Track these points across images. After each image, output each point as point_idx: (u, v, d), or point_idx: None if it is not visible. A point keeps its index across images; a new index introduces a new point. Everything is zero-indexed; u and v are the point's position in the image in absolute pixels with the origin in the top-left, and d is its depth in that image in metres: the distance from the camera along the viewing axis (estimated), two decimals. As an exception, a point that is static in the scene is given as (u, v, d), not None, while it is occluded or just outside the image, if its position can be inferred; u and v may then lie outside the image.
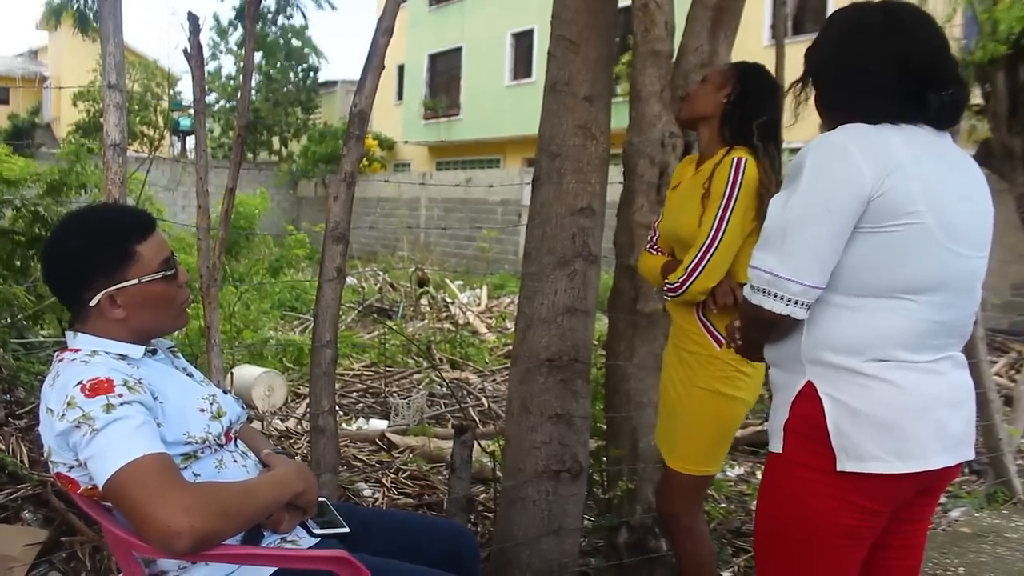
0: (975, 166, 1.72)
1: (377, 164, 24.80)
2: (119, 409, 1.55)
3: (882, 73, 1.60)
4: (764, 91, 2.45)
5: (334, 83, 29.25)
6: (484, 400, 5.87)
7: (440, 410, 5.88)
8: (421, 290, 10.71)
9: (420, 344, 7.45)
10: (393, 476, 4.23)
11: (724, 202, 2.31)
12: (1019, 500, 4.66)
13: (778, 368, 1.75)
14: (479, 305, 11.08)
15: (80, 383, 1.58)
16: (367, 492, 3.98)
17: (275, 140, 26.43)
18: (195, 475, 1.68)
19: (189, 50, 2.51)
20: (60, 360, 1.68)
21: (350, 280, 12.56)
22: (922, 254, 1.57)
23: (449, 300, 10.53)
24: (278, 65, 25.58)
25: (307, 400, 5.94)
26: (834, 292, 1.59)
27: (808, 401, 1.63)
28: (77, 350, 1.69)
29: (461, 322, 9.38)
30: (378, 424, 5.41)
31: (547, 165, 2.90)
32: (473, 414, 5.63)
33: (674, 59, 3.05)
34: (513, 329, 9.63)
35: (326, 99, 29.10)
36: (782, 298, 1.58)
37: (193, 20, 2.50)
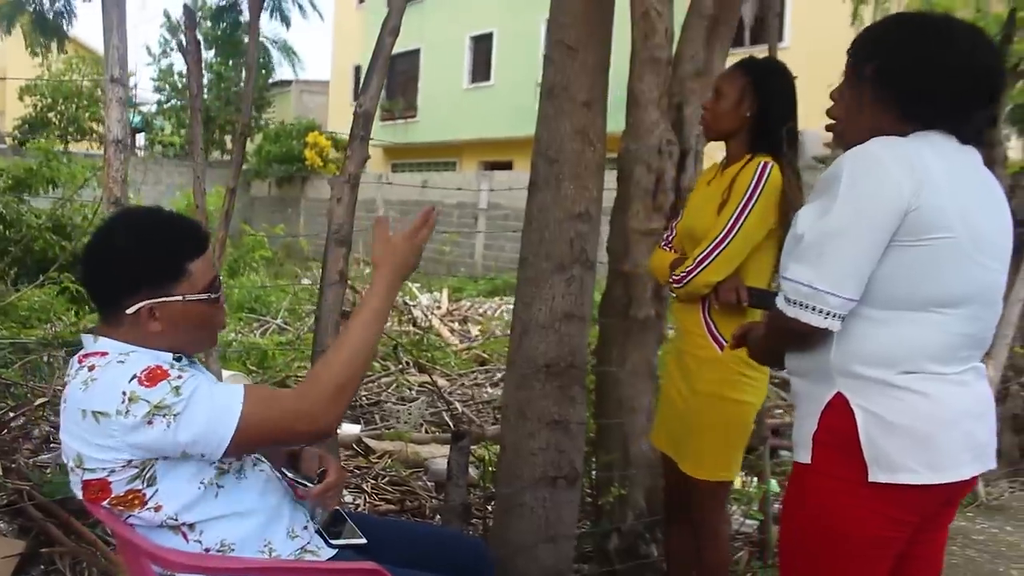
0: (993, 178, 1.74)
1: (332, 165, 24.55)
2: (185, 386, 1.54)
3: (957, 82, 1.60)
4: (784, 95, 2.43)
5: (288, 83, 28.89)
6: (457, 404, 5.82)
7: (410, 415, 5.81)
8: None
9: (386, 346, 7.37)
10: (373, 482, 4.17)
11: (744, 202, 2.33)
12: (982, 503, 4.77)
13: (802, 378, 1.75)
14: (440, 308, 11.01)
15: (135, 376, 1.54)
16: (348, 498, 3.91)
17: (227, 139, 25.99)
18: (219, 487, 1.63)
19: (185, 44, 2.44)
20: (89, 367, 1.60)
21: (305, 282, 12.40)
22: (954, 268, 1.58)
23: (410, 302, 10.44)
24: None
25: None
26: (865, 305, 1.59)
27: (838, 413, 1.63)
28: (104, 353, 1.62)
29: (424, 325, 9.31)
30: (351, 428, 5.33)
31: (544, 170, 2.88)
32: (446, 418, 5.60)
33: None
34: (476, 334, 9.59)
35: (280, 99, 28.72)
36: (820, 311, 1.57)
37: (189, 14, 2.43)
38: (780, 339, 1.76)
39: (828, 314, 1.57)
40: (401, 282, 1.77)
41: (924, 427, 1.59)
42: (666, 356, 2.63)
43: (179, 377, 1.56)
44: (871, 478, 1.59)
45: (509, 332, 8.94)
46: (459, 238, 17.66)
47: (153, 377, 1.54)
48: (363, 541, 1.83)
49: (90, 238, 1.73)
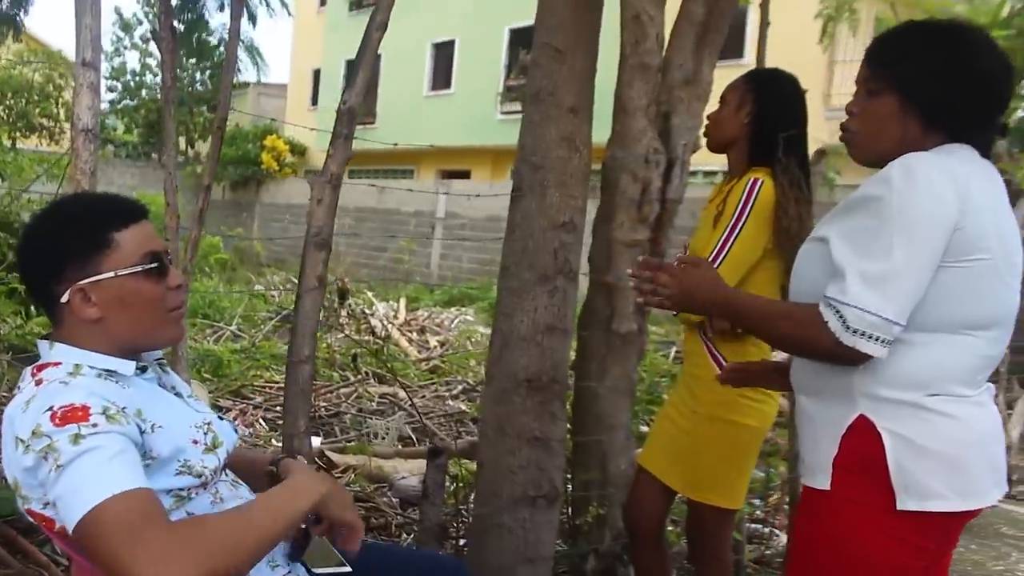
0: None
1: (288, 169, 24.21)
2: (88, 440, 1.29)
3: (983, 91, 1.56)
4: (785, 102, 2.35)
5: (246, 84, 28.44)
6: (421, 418, 5.67)
7: (370, 427, 5.65)
8: (344, 302, 10.39)
9: (345, 356, 7.21)
10: (336, 497, 4.01)
11: (732, 223, 2.26)
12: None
13: (815, 399, 1.67)
14: (397, 318, 10.83)
15: (51, 408, 1.32)
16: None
17: (182, 140, 25.47)
18: (188, 515, 1.48)
19: (159, 31, 2.30)
20: (37, 381, 1.43)
21: (258, 287, 12.12)
22: (989, 290, 1.53)
23: (367, 310, 10.25)
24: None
25: (229, 414, 5.64)
26: None
27: (863, 436, 1.55)
28: (57, 364, 1.45)
29: (382, 335, 9.14)
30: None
31: (528, 176, 2.78)
32: (409, 431, 5.46)
33: (657, 74, 2.98)
34: (434, 344, 9.43)
35: (237, 100, 28.21)
36: (882, 341, 1.48)
37: (165, 1, 2.29)
38: (811, 356, 1.64)
39: (887, 343, 1.49)
40: (304, 497, 1.48)
41: (953, 451, 1.52)
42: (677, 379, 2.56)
43: (94, 426, 1.31)
44: (900, 506, 1.51)
45: (469, 344, 8.78)
46: (415, 246, 17.49)
47: (67, 417, 1.32)
48: (347, 569, 1.70)
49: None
